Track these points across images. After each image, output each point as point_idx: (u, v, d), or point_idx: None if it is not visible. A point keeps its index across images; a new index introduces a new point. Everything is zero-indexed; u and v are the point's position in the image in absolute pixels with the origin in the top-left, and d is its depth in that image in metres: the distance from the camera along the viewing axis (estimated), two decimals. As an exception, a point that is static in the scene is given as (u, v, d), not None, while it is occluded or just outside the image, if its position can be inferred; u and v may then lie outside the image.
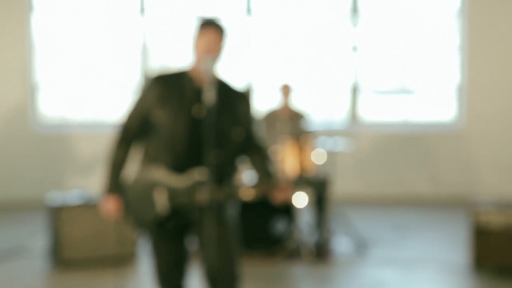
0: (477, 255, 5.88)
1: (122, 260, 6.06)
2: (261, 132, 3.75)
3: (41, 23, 9.16)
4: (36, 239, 6.89)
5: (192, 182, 3.42)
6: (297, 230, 6.47)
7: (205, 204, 3.41)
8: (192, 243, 3.74)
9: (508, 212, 5.85)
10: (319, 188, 6.63)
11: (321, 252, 6.41)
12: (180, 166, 3.46)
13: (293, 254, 6.38)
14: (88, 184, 8.34)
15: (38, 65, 9.22)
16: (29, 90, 8.94)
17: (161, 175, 3.46)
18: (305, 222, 6.71)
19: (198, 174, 3.43)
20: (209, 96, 3.40)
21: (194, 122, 3.44)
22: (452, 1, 9.35)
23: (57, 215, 5.96)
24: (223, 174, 3.51)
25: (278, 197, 3.61)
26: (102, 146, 8.66)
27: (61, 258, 5.93)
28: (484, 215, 5.87)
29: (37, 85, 9.02)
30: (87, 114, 9.44)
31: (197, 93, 3.46)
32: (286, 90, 7.08)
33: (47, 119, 9.28)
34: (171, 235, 3.58)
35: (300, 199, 6.43)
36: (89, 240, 6.01)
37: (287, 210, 6.47)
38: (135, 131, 3.57)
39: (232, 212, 3.61)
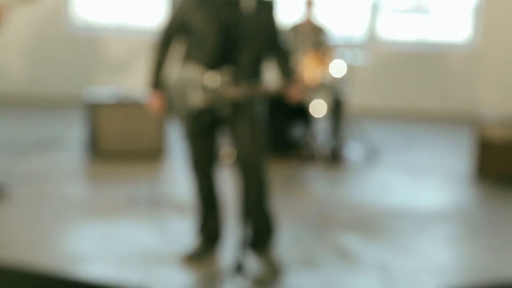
0: (480, 164, 6.23)
1: (153, 153, 6.46)
2: (284, 37, 4.06)
3: None
4: (73, 132, 7.25)
5: (223, 79, 3.81)
6: (314, 136, 6.74)
7: (235, 100, 3.80)
8: (224, 137, 4.16)
9: (510, 126, 6.14)
10: (336, 98, 6.83)
11: (335, 157, 6.67)
12: (212, 64, 3.80)
13: (309, 158, 6.64)
14: (117, 83, 8.76)
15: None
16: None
17: (196, 73, 3.84)
18: (321, 129, 6.91)
19: (228, 72, 3.79)
20: (236, 6, 3.77)
21: (224, 26, 3.78)
22: None
23: (94, 111, 6.33)
24: (250, 73, 3.83)
25: (294, 95, 4.01)
26: (130, 49, 9.03)
27: (97, 149, 6.33)
28: (488, 129, 6.19)
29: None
30: (117, 19, 9.46)
31: (227, 2, 3.80)
32: (309, 4, 7.20)
33: (80, 21, 9.32)
34: (205, 128, 3.95)
35: (319, 108, 6.66)
36: (123, 134, 6.39)
37: (305, 116, 6.70)
38: (174, 34, 3.94)
39: (260, 108, 4.01)
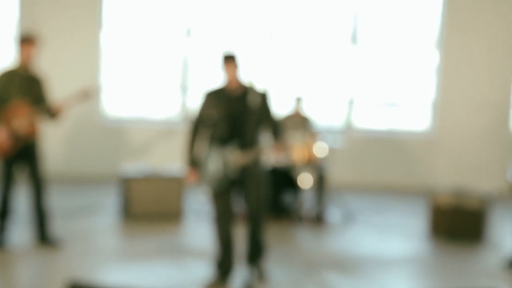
0: (432, 224, 6.79)
1: (174, 214, 7.12)
2: (275, 114, 4.99)
3: (107, 37, 9.60)
4: (109, 200, 7.86)
5: (232, 151, 4.72)
6: (301, 203, 7.25)
7: (243, 164, 4.71)
8: (237, 195, 4.98)
9: (457, 197, 6.72)
10: (319, 173, 7.32)
11: (318, 219, 7.20)
12: (224, 141, 4.78)
13: (297, 219, 7.15)
14: (139, 162, 9.22)
15: (103, 71, 9.55)
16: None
17: (216, 150, 4.77)
18: (307, 197, 7.37)
19: (235, 145, 4.73)
20: (239, 99, 4.79)
21: (230, 114, 4.80)
22: (431, 34, 9.71)
23: (126, 183, 7.04)
24: (250, 143, 4.80)
25: (278, 151, 4.97)
26: (149, 136, 9.69)
27: (129, 212, 7.03)
28: (439, 197, 6.77)
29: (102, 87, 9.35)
30: (138, 111, 9.86)
31: (231, 98, 4.81)
32: (298, 100, 7.86)
33: (109, 115, 9.71)
34: (225, 190, 4.83)
35: (305, 180, 7.14)
36: (150, 200, 7.08)
37: (294, 187, 7.21)
38: (200, 124, 4.92)
39: (262, 169, 4.89)
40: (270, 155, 5.07)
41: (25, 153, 5.79)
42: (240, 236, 5.52)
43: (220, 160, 4.77)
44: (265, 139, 5.06)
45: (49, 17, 9.34)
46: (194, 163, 4.90)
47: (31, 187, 5.87)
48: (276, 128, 4.99)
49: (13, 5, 9.53)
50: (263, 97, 4.92)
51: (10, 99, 5.68)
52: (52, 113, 5.86)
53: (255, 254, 4.99)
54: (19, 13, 9.45)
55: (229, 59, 4.86)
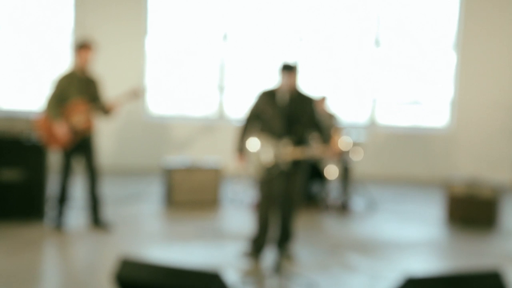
0: (448, 212, 6.93)
1: (211, 201, 7.36)
2: (321, 120, 5.21)
3: (151, 43, 9.84)
4: (153, 189, 8.13)
5: (284, 146, 4.95)
6: (328, 192, 7.46)
7: (293, 158, 4.96)
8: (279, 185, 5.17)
9: (471, 187, 6.87)
10: (345, 165, 7.50)
11: (344, 208, 7.38)
12: (278, 136, 5.01)
13: (324, 208, 7.34)
14: (180, 154, 9.39)
15: (148, 73, 9.84)
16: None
17: (267, 143, 5.00)
18: (334, 187, 7.57)
19: (288, 141, 4.96)
20: (291, 101, 5.01)
21: (284, 113, 5.01)
22: (449, 37, 9.81)
23: (169, 173, 7.28)
24: (301, 141, 5.05)
25: (329, 156, 5.22)
26: (188, 131, 9.95)
27: (172, 200, 7.28)
28: (455, 187, 6.92)
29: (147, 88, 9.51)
30: (180, 109, 10.10)
31: (283, 99, 5.03)
32: (323, 99, 7.89)
33: (153, 112, 9.97)
34: (271, 178, 5.04)
35: (332, 172, 7.37)
36: (190, 189, 7.32)
37: (322, 177, 7.42)
38: (252, 119, 5.16)
39: (306, 165, 5.12)
40: (317, 154, 5.28)
41: (82, 146, 6.10)
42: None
43: (273, 152, 5.00)
44: (313, 140, 5.27)
45: (100, 25, 9.64)
46: (243, 150, 5.13)
47: (87, 176, 6.17)
48: (323, 130, 5.20)
49: (68, 14, 9.87)
50: (311, 101, 5.16)
51: (70, 98, 6.00)
52: (106, 111, 6.16)
53: (284, 238, 5.19)
54: (73, 22, 9.80)
55: (291, 69, 5.04)
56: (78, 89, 6.02)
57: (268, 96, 5.14)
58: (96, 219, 6.24)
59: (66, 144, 6.02)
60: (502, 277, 3.63)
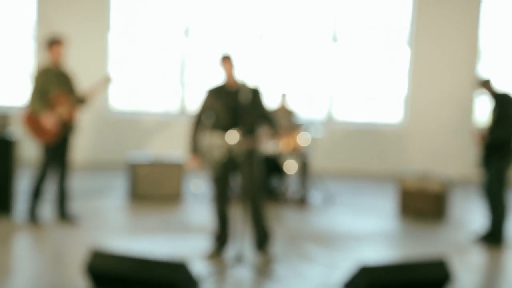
0: (401, 205, 7.26)
1: (174, 195, 7.53)
2: (268, 109, 5.33)
3: (114, 38, 10.02)
4: (118, 183, 8.30)
5: (233, 137, 5.10)
6: (287, 186, 7.69)
7: (242, 150, 5.11)
8: (235, 178, 5.35)
9: (422, 180, 7.20)
10: (303, 160, 7.69)
11: (302, 202, 7.63)
12: (225, 129, 5.13)
13: (283, 201, 7.59)
14: (143, 149, 9.64)
15: (110, 68, 9.93)
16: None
17: (216, 137, 5.16)
18: (292, 181, 7.85)
19: (235, 132, 5.10)
20: (237, 94, 5.18)
21: (230, 106, 5.16)
22: (404, 33, 10.13)
23: (133, 168, 7.46)
24: (250, 132, 5.18)
25: (281, 138, 5.38)
26: (150, 126, 10.11)
27: (136, 193, 7.45)
28: (407, 181, 7.25)
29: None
30: (142, 105, 10.29)
31: (230, 93, 5.20)
32: (283, 96, 8.18)
33: (117, 108, 10.15)
34: (225, 174, 5.18)
35: (291, 166, 7.59)
36: (154, 183, 7.50)
37: (281, 172, 7.64)
38: (202, 115, 5.30)
39: (259, 155, 5.28)
40: (266, 142, 5.42)
41: (63, 138, 6.27)
42: (237, 214, 5.93)
43: (223, 146, 5.13)
44: (262, 129, 5.42)
45: (63, 21, 9.73)
46: (196, 150, 5.25)
47: (58, 169, 6.33)
48: (271, 120, 5.35)
49: (31, 10, 9.93)
50: (257, 93, 5.29)
51: (50, 91, 6.18)
52: (83, 100, 6.39)
53: (262, 241, 5.28)
54: (36, 18, 9.86)
55: (225, 59, 5.23)
56: (56, 83, 6.21)
57: (215, 92, 5.25)
58: (63, 213, 6.40)
59: (55, 135, 6.17)
60: (446, 265, 3.97)
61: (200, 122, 5.30)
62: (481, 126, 6.67)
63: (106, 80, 6.57)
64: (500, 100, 6.10)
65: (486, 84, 6.15)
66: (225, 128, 5.16)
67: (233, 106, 5.17)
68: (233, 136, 5.11)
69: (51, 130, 6.15)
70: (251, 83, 5.32)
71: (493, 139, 6.08)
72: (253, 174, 5.17)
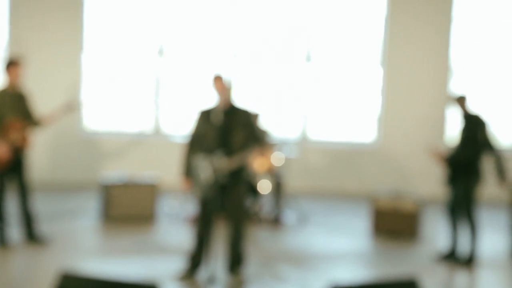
0: (374, 225, 7.29)
1: (147, 216, 7.49)
2: (259, 131, 5.34)
3: (87, 57, 9.96)
4: (90, 204, 8.21)
5: (218, 159, 5.09)
6: (261, 206, 7.68)
7: (227, 171, 5.08)
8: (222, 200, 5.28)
9: (395, 200, 7.24)
10: (277, 180, 7.70)
11: (276, 221, 7.61)
12: (212, 151, 5.11)
13: (257, 221, 7.55)
14: (115, 169, 9.55)
15: (83, 88, 9.89)
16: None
17: (205, 159, 5.13)
18: (266, 201, 7.83)
19: (220, 153, 5.09)
20: (225, 115, 5.17)
21: (218, 128, 5.15)
22: (377, 53, 10.20)
23: (106, 189, 7.40)
24: (236, 153, 5.15)
25: (264, 156, 5.40)
26: (123, 146, 10.06)
27: (109, 214, 7.39)
28: (380, 201, 7.29)
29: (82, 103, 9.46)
30: (115, 125, 10.21)
31: (219, 114, 5.18)
32: (256, 116, 7.81)
33: (87, 128, 10.04)
34: (212, 197, 5.13)
35: (265, 187, 7.57)
36: (127, 204, 7.45)
37: (255, 192, 7.60)
38: (195, 140, 5.27)
39: (245, 177, 5.27)
40: (253, 162, 5.39)
41: (16, 163, 6.19)
42: (218, 236, 5.89)
43: (209, 168, 5.11)
44: (249, 150, 5.35)
45: (36, 41, 9.71)
46: (189, 173, 5.22)
47: (18, 193, 6.28)
48: (261, 141, 5.31)
49: (3, 30, 9.88)
50: (247, 114, 5.27)
51: (4, 116, 6.10)
52: (39, 124, 6.33)
53: (235, 263, 5.27)
54: (8, 38, 9.81)
55: (217, 79, 5.22)
56: (11, 107, 6.16)
57: (205, 115, 5.25)
58: (31, 234, 6.34)
59: (6, 163, 6.09)
60: (418, 284, 3.98)
61: (193, 145, 5.27)
62: (449, 146, 6.73)
63: (70, 106, 6.57)
64: (470, 121, 6.18)
65: (460, 101, 6.22)
66: (213, 150, 5.14)
67: (222, 127, 5.15)
68: (220, 158, 5.09)
69: (3, 157, 6.06)
70: (243, 104, 5.33)
71: (457, 160, 6.15)
72: (237, 196, 5.18)
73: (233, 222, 5.21)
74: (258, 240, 7.02)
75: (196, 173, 5.15)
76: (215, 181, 5.12)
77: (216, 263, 5.41)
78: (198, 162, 5.17)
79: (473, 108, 6.30)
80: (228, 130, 5.14)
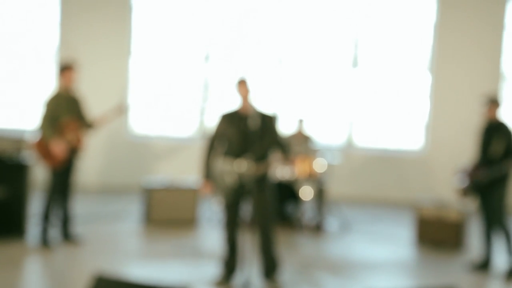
0: (418, 234, 7.18)
1: (189, 220, 7.56)
2: (282, 136, 5.32)
3: (135, 63, 10.10)
4: (134, 207, 8.34)
5: (245, 164, 5.09)
6: (302, 213, 7.63)
7: (254, 176, 5.07)
8: (247, 205, 5.30)
9: (439, 208, 7.12)
10: (319, 186, 7.68)
11: (317, 228, 7.57)
12: (237, 155, 5.11)
13: (298, 228, 7.53)
14: (160, 173, 9.76)
15: (131, 93, 10.06)
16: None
17: (228, 163, 5.14)
18: (308, 208, 7.75)
19: (247, 158, 5.07)
20: (250, 120, 5.16)
21: (243, 132, 5.14)
22: (425, 59, 10.08)
23: (149, 193, 7.50)
24: (261, 158, 5.14)
25: (285, 166, 5.31)
26: (168, 150, 10.17)
27: (151, 218, 7.48)
28: (424, 209, 7.18)
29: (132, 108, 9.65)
30: (161, 129, 10.32)
31: (243, 119, 5.19)
32: (300, 121, 8.18)
33: (134, 132, 10.19)
34: (236, 201, 5.16)
35: (307, 193, 7.52)
36: (168, 208, 7.53)
37: (297, 198, 7.60)
38: (216, 141, 5.28)
39: (271, 182, 5.25)
40: (278, 168, 5.38)
41: (68, 163, 6.36)
42: (247, 241, 5.89)
43: (234, 172, 5.11)
44: (273, 155, 5.37)
45: (85, 45, 9.88)
46: (209, 176, 5.22)
47: (63, 193, 6.40)
48: (283, 146, 5.31)
49: (54, 34, 10.11)
50: (271, 119, 5.26)
51: (60, 117, 6.30)
52: (91, 126, 6.52)
53: (270, 269, 5.25)
54: (59, 41, 10.04)
55: (241, 83, 5.20)
56: (66, 109, 6.34)
57: (228, 118, 5.21)
58: (66, 234, 6.49)
59: (63, 161, 6.26)
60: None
61: (213, 147, 5.25)
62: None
63: (120, 109, 6.73)
64: (505, 129, 6.06)
65: (493, 104, 6.10)
66: (237, 154, 5.12)
67: (245, 131, 5.13)
68: (244, 162, 5.07)
69: (60, 156, 6.22)
70: (265, 109, 5.29)
71: (504, 171, 6.03)
72: (264, 201, 5.13)
73: (262, 227, 5.16)
74: (298, 247, 6.98)
75: (220, 177, 5.12)
76: (239, 186, 5.08)
77: (251, 269, 5.39)
78: (221, 166, 5.13)
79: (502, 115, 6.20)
80: (253, 135, 5.09)
